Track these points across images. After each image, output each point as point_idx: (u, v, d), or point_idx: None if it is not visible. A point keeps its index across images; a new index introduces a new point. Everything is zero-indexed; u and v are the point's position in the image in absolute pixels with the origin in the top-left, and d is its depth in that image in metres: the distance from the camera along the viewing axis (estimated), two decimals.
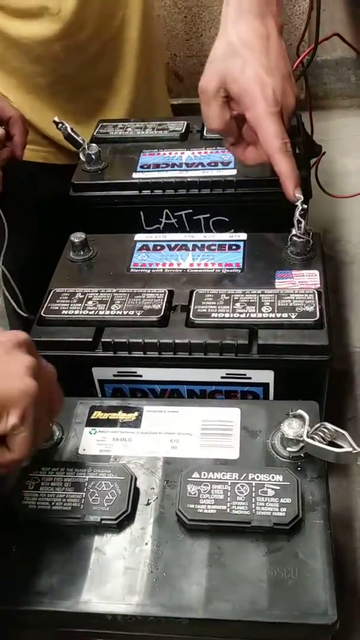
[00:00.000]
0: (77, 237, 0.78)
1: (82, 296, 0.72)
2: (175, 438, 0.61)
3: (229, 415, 0.62)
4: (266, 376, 0.68)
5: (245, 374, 0.68)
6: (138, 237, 0.81)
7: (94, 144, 0.88)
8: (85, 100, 1.03)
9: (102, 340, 0.69)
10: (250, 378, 0.69)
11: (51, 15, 0.91)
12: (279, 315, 0.67)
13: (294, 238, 0.73)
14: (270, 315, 0.67)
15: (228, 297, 0.70)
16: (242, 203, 0.83)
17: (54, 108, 0.99)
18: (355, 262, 1.19)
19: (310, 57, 0.89)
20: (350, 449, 0.55)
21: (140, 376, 0.70)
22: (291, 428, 0.57)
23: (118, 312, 0.70)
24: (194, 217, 0.85)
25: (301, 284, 0.71)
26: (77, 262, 0.78)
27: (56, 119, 0.86)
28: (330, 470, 0.58)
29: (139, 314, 0.70)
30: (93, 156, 0.87)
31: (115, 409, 0.63)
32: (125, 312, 0.70)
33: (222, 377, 0.69)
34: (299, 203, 0.70)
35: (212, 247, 0.78)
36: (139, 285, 0.73)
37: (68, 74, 0.99)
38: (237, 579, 0.51)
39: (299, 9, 1.51)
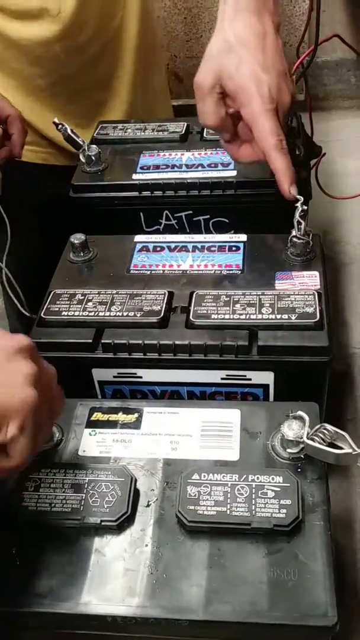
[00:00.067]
0: (77, 238, 0.78)
1: (82, 297, 0.72)
2: (175, 439, 0.61)
3: (229, 416, 0.62)
4: (266, 377, 0.68)
5: (245, 375, 0.68)
6: (138, 238, 0.81)
7: (94, 145, 0.88)
8: (85, 101, 1.03)
9: (102, 341, 0.69)
10: (250, 379, 0.68)
11: (51, 16, 0.91)
12: (279, 316, 0.67)
13: (294, 239, 0.73)
14: (270, 316, 0.67)
15: (228, 299, 0.70)
16: (242, 204, 0.83)
17: (53, 109, 0.99)
18: (354, 263, 1.19)
19: (310, 58, 0.89)
20: (350, 450, 0.55)
21: (140, 377, 0.70)
22: (291, 429, 0.57)
23: (118, 313, 0.70)
24: (194, 219, 0.85)
25: (301, 285, 0.71)
26: (77, 263, 0.78)
27: (56, 120, 0.86)
28: (331, 471, 0.58)
29: (139, 315, 0.70)
30: (93, 157, 0.87)
31: (115, 410, 0.63)
32: (125, 314, 0.70)
33: (222, 379, 0.69)
34: (298, 204, 0.70)
35: (212, 249, 0.78)
36: (139, 287, 0.73)
37: (68, 75, 0.99)
38: (237, 580, 0.51)
39: (299, 10, 1.51)
